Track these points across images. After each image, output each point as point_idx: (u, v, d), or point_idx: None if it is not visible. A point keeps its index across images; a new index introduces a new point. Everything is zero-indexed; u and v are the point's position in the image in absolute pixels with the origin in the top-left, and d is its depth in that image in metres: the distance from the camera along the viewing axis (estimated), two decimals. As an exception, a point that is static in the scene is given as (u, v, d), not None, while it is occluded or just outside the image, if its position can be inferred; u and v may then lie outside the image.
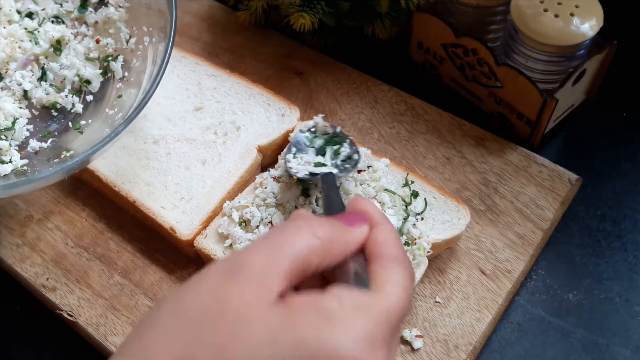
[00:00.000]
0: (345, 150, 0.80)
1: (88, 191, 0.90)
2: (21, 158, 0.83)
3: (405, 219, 0.78)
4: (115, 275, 0.83)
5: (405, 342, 0.76)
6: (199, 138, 0.88)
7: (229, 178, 0.85)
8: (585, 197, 0.88)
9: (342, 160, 0.79)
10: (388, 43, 0.99)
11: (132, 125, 0.75)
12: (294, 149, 0.81)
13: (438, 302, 0.79)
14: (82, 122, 0.87)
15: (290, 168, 0.78)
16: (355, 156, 0.79)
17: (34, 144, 0.85)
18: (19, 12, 0.91)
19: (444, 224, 0.80)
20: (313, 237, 0.47)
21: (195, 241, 0.80)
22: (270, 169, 0.83)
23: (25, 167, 0.82)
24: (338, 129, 0.82)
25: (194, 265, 0.83)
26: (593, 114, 0.96)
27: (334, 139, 0.81)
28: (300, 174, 0.77)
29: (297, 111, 0.90)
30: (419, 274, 0.76)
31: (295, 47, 1.02)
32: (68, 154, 0.82)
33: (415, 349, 0.75)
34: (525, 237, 0.82)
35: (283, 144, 0.87)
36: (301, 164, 0.78)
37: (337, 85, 0.98)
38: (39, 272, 0.83)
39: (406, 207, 0.79)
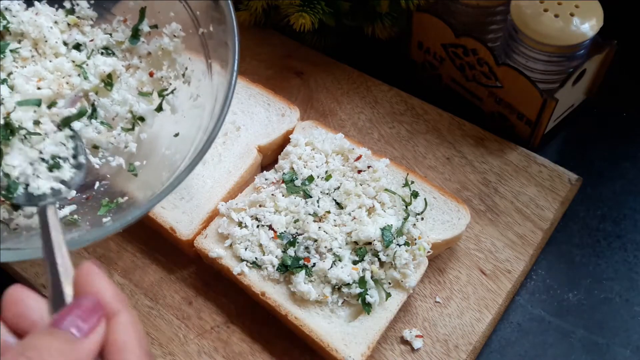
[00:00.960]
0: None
1: (88, 191, 0.90)
2: (69, 204, 0.72)
3: (405, 219, 0.78)
4: (115, 275, 0.83)
5: (405, 342, 0.76)
6: (199, 138, 0.88)
7: (229, 178, 0.85)
8: (585, 197, 0.88)
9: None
10: (388, 43, 0.99)
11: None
12: None
13: (438, 302, 0.79)
14: (137, 163, 0.77)
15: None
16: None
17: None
18: (65, 43, 0.81)
19: (444, 224, 0.80)
20: None
21: (195, 241, 0.80)
22: (266, 172, 0.83)
23: (75, 216, 0.72)
24: None
25: (194, 265, 0.83)
26: (593, 114, 0.96)
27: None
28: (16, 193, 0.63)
29: (297, 111, 0.90)
30: (419, 274, 0.76)
31: (295, 47, 1.02)
32: (123, 200, 0.73)
33: (415, 349, 0.75)
34: (525, 237, 0.83)
35: (283, 143, 0.87)
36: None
37: (337, 85, 0.98)
38: (39, 272, 0.83)
39: (406, 207, 0.79)
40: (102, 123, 0.78)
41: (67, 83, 0.78)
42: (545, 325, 0.79)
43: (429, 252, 0.77)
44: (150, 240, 0.85)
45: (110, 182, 0.76)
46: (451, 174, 0.88)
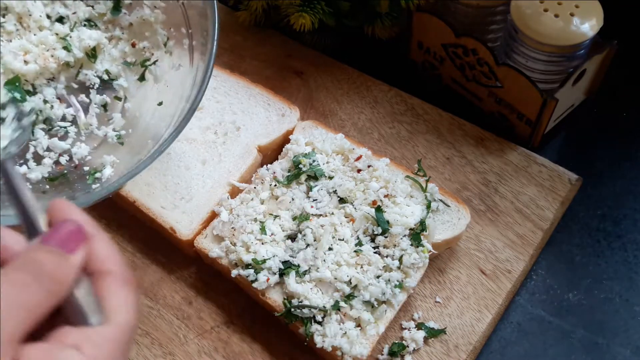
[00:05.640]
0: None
1: (88, 191, 0.90)
2: (61, 173, 0.79)
3: (428, 206, 0.77)
4: (115, 275, 0.83)
5: (405, 342, 0.76)
6: (199, 138, 0.88)
7: (229, 178, 0.85)
8: (585, 197, 0.88)
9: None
10: (388, 43, 0.99)
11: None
12: None
13: (438, 302, 0.79)
14: (122, 132, 0.82)
15: None
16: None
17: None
18: (48, 16, 0.84)
19: (444, 224, 0.80)
20: (33, 291, 0.42)
21: (195, 241, 0.80)
22: (268, 165, 0.83)
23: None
24: None
25: (194, 265, 0.83)
26: (593, 114, 0.96)
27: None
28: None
29: (297, 111, 0.90)
30: (419, 274, 0.76)
31: (295, 47, 1.02)
32: (110, 169, 0.77)
33: (416, 348, 0.75)
34: (525, 237, 0.83)
35: (283, 143, 0.87)
36: None
37: (337, 85, 0.98)
38: (39, 272, 0.83)
39: (424, 194, 0.79)
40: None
41: (52, 56, 0.82)
42: (545, 325, 0.79)
43: (430, 251, 0.77)
44: (150, 240, 0.85)
45: (95, 152, 0.81)
46: (451, 174, 0.88)
